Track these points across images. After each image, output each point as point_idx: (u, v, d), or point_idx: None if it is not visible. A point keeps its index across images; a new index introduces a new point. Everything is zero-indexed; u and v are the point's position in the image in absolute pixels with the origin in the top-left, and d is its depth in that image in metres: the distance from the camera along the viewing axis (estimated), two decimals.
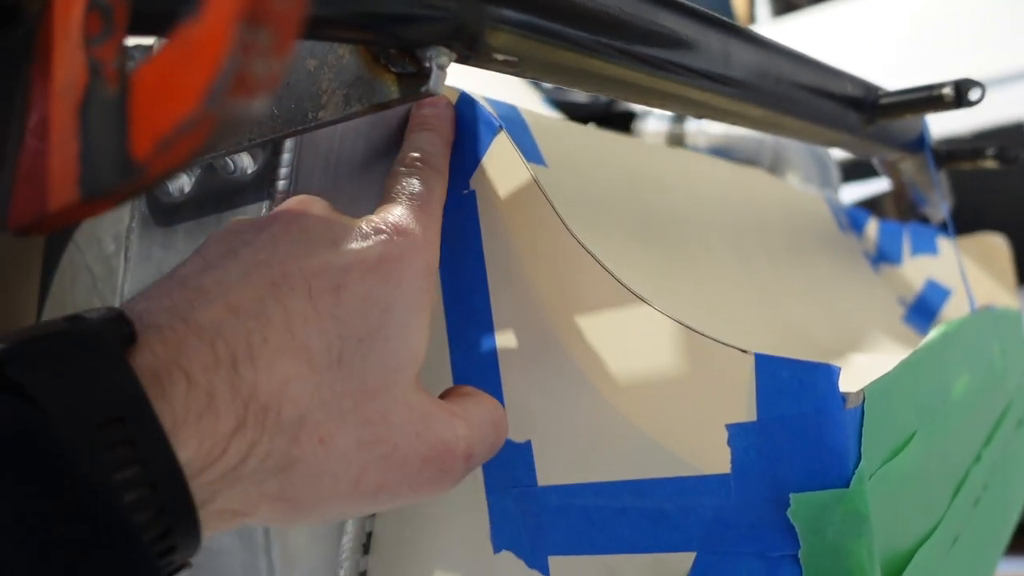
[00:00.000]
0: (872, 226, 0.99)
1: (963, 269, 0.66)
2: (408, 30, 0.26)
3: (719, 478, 0.32)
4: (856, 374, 0.61)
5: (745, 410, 0.32)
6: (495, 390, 0.38)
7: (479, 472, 0.39)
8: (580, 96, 1.19)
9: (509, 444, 0.38)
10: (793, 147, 1.01)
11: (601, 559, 0.36)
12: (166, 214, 0.39)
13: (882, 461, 0.33)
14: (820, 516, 0.30)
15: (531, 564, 0.38)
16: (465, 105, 0.39)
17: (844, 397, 0.30)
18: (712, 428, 0.32)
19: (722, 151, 1.03)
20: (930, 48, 1.62)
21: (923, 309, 0.93)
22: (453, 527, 0.41)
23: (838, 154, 1.12)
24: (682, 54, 0.36)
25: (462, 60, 0.29)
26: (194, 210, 0.38)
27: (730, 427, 0.32)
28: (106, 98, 0.18)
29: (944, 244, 0.95)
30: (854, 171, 1.12)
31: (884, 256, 0.98)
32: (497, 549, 0.39)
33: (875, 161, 0.72)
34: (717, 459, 0.32)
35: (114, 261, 0.42)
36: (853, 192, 1.18)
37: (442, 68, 0.27)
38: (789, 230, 0.78)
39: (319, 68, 0.30)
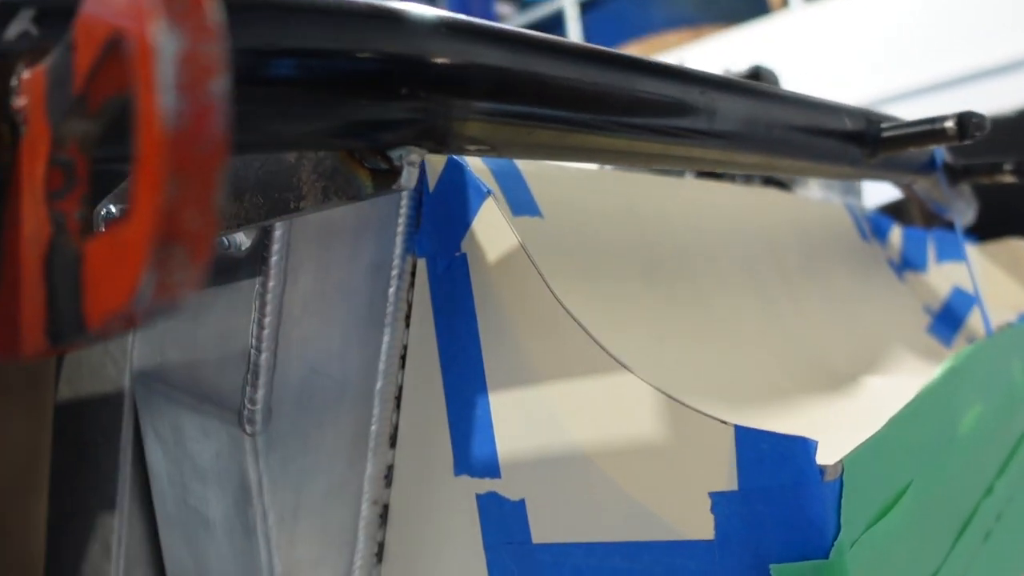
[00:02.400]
0: (896, 233, 0.97)
1: (976, 283, 0.65)
2: (377, 136, 0.27)
3: (703, 544, 0.33)
4: (871, 401, 0.61)
5: (727, 479, 0.32)
6: (489, 446, 0.39)
7: (478, 527, 0.40)
8: None
9: (505, 502, 0.39)
10: None
11: None
12: None
13: (867, 525, 0.33)
14: None
15: None
16: (453, 170, 0.40)
17: (822, 470, 0.30)
18: (696, 494, 0.33)
19: None
20: (972, 27, 1.58)
21: (949, 317, 0.92)
22: None
23: None
24: (665, 117, 0.36)
25: (435, 151, 0.29)
26: None
27: (713, 495, 0.33)
28: (68, 253, 0.19)
29: (970, 251, 0.94)
30: None
31: (909, 263, 0.97)
32: None
33: (892, 184, 0.71)
34: (701, 525, 0.33)
35: None
36: (879, 189, 1.16)
37: (413, 165, 0.28)
38: (805, 249, 0.78)
39: (299, 160, 0.31)
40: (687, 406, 0.33)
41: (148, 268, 0.14)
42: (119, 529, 0.45)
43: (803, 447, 0.30)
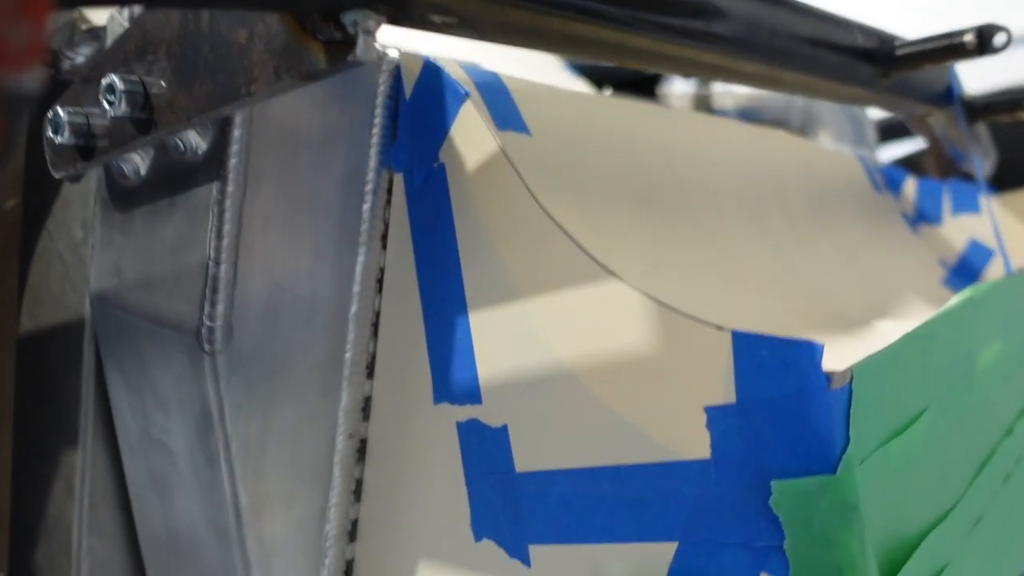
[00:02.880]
0: (910, 185, 0.94)
1: (997, 227, 0.62)
2: None
3: (699, 464, 0.30)
4: (884, 343, 0.58)
5: (724, 391, 0.29)
6: (470, 371, 0.36)
7: (459, 460, 0.37)
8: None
9: (486, 429, 0.36)
10: (825, 106, 0.97)
11: (581, 548, 0.34)
12: (125, 199, 0.37)
13: (879, 442, 0.30)
14: (805, 505, 0.28)
15: (512, 553, 0.36)
16: (430, 74, 0.37)
17: (829, 376, 0.27)
18: (690, 411, 0.30)
19: (750, 112, 0.99)
20: None
21: (965, 270, 0.89)
22: (436, 516, 0.39)
23: (875, 114, 1.07)
24: (655, 10, 0.33)
25: (393, 22, 0.26)
26: (150, 193, 0.36)
27: (709, 409, 0.30)
28: None
29: (985, 202, 0.90)
30: (892, 131, 1.07)
31: (923, 216, 0.93)
32: (478, 538, 0.37)
33: (904, 117, 0.67)
34: (697, 444, 0.30)
35: (83, 248, 0.41)
36: (891, 152, 1.13)
37: (369, 33, 0.25)
38: (816, 194, 0.74)
39: (249, 40, 0.28)
40: (680, 312, 0.30)
41: None
42: (82, 466, 0.43)
43: (808, 351, 0.27)
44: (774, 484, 0.28)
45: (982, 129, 0.78)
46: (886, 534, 0.31)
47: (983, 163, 0.90)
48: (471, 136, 0.36)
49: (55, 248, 0.42)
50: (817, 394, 0.27)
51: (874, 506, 0.29)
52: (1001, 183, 0.94)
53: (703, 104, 1.02)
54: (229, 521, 0.37)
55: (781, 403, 0.28)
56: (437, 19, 0.27)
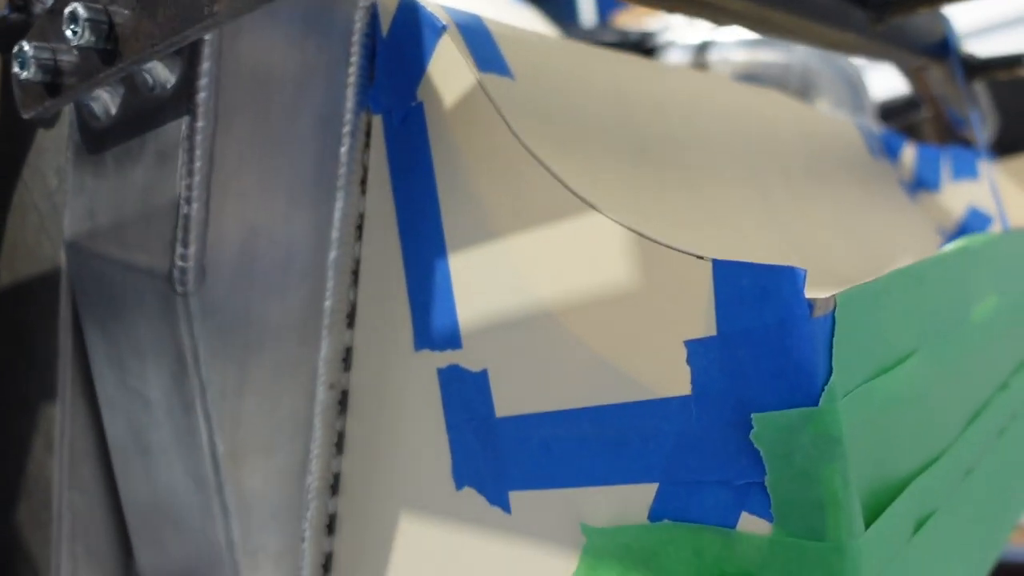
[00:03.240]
0: (908, 151, 0.93)
1: (997, 192, 0.61)
2: None
3: (679, 400, 0.29)
4: None
5: (704, 324, 0.28)
6: (450, 316, 0.36)
7: (440, 407, 0.37)
8: (603, 36, 1.15)
9: (466, 374, 0.35)
10: (823, 72, 0.96)
11: (562, 493, 0.33)
12: (96, 140, 0.37)
13: (864, 378, 0.29)
14: (787, 439, 0.27)
15: (492, 501, 0.35)
16: (407, 9, 0.36)
17: (811, 304, 0.26)
18: (670, 346, 0.29)
19: (747, 79, 0.98)
20: None
21: (963, 237, 0.88)
22: (418, 465, 0.38)
23: (876, 91, 1.05)
24: None
25: None
26: (121, 134, 0.35)
27: (689, 343, 0.29)
28: None
29: (984, 168, 0.89)
30: (891, 112, 1.06)
31: (922, 182, 0.92)
32: (459, 486, 0.36)
33: (901, 70, 0.66)
34: (676, 380, 0.29)
35: (57, 197, 0.40)
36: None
37: None
38: (812, 156, 0.73)
39: None
40: (659, 243, 0.29)
41: None
42: (61, 420, 0.42)
43: (790, 278, 0.26)
44: (755, 417, 0.27)
45: (981, 91, 0.76)
46: (871, 475, 0.30)
47: (982, 125, 0.88)
48: (449, 72, 0.35)
49: (30, 198, 0.41)
50: (799, 323, 0.26)
51: (858, 443, 0.28)
52: (1003, 148, 0.93)
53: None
54: (207, 470, 0.37)
55: (762, 333, 0.27)
56: None
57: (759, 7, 0.38)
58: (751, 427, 0.27)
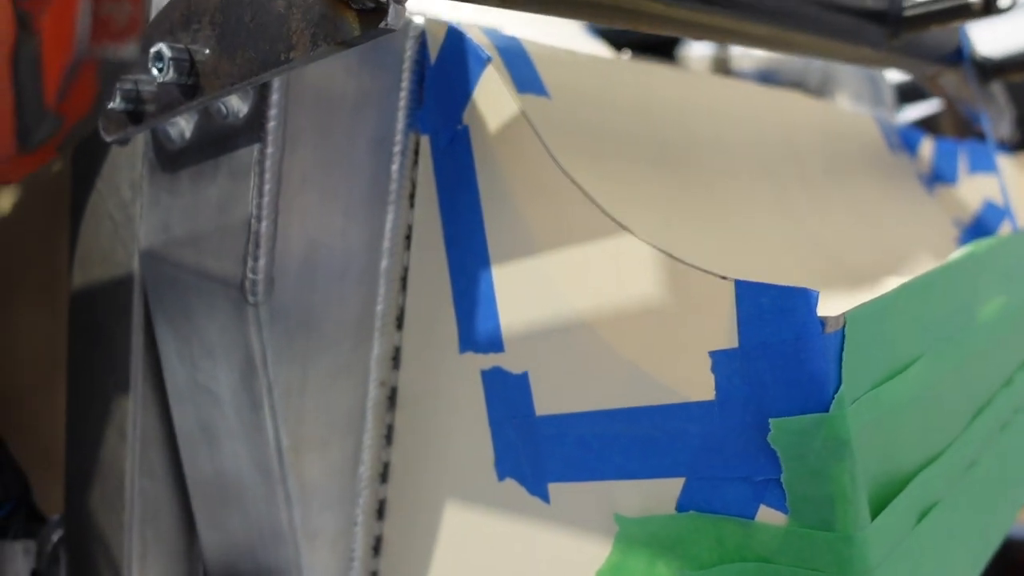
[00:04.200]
0: (927, 146, 0.95)
1: (1004, 186, 0.63)
2: None
3: (704, 405, 0.33)
4: None
5: (727, 337, 0.32)
6: (493, 321, 0.39)
7: (483, 405, 0.40)
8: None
9: (509, 375, 0.39)
10: (843, 67, 0.98)
11: (597, 485, 0.36)
12: (171, 161, 0.40)
13: (872, 385, 0.33)
14: (801, 441, 0.30)
15: (532, 491, 0.39)
16: (454, 39, 0.39)
17: (823, 322, 0.30)
18: (696, 355, 0.32)
19: (768, 74, 1.00)
20: None
21: (979, 231, 0.90)
22: (462, 457, 0.42)
23: (893, 76, 1.07)
24: None
25: None
26: (195, 155, 0.39)
27: (713, 354, 0.32)
28: (31, 50, 0.19)
29: (1002, 162, 0.91)
30: (910, 94, 1.07)
31: (939, 176, 0.94)
32: (501, 477, 0.40)
33: (916, 77, 0.68)
34: (702, 386, 0.33)
35: (131, 208, 0.43)
36: (911, 115, 1.13)
37: (400, 2, 0.27)
38: (830, 154, 0.76)
39: (288, 9, 0.30)
40: (686, 263, 0.32)
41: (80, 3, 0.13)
42: (133, 412, 0.46)
43: (804, 299, 0.30)
44: (772, 422, 0.30)
45: (997, 89, 0.78)
46: (878, 471, 0.33)
47: (999, 122, 0.90)
48: (493, 99, 0.38)
49: (105, 208, 0.45)
50: (812, 338, 0.30)
51: (865, 444, 0.31)
52: (1020, 145, 0.95)
53: (721, 66, 1.03)
54: (272, 461, 0.40)
55: (780, 347, 0.30)
56: None
57: (783, 31, 0.41)
58: (769, 430, 0.31)
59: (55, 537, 0.52)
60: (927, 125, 0.96)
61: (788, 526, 0.31)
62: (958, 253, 0.46)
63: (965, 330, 0.44)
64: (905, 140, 0.94)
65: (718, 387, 0.32)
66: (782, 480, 0.31)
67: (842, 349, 0.30)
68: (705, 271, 0.32)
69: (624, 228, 0.34)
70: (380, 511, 0.45)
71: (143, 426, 0.46)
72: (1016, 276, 0.55)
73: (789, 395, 0.30)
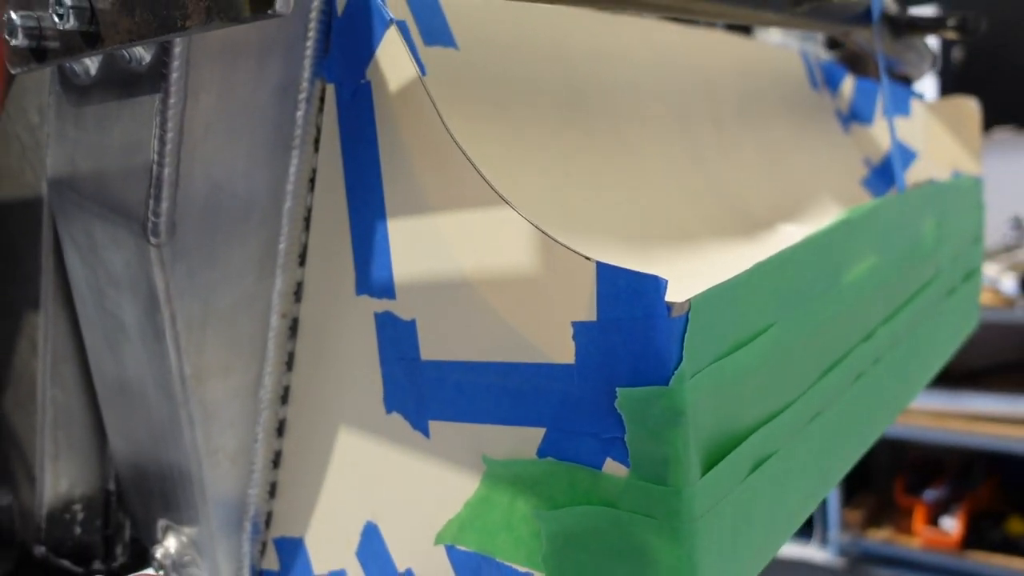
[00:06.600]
0: (848, 84, 0.97)
1: (894, 133, 0.67)
2: None
3: (566, 367, 0.36)
4: (779, 246, 0.65)
5: (587, 310, 0.35)
6: (387, 270, 0.42)
7: (375, 345, 0.43)
8: None
9: (398, 320, 0.42)
10: None
11: (471, 427, 0.40)
12: (77, 95, 0.41)
13: (717, 356, 0.36)
14: (643, 408, 0.34)
15: (415, 426, 0.42)
16: None
17: (670, 306, 0.33)
18: (561, 323, 0.36)
19: None
20: None
21: (886, 171, 0.94)
22: (355, 388, 0.45)
23: None
24: None
25: None
26: (100, 95, 0.40)
27: (575, 324, 0.35)
28: None
29: (916, 106, 0.94)
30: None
31: (856, 115, 0.97)
32: (389, 410, 0.43)
33: (828, 34, 0.70)
34: (565, 351, 0.36)
35: (39, 132, 0.44)
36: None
37: None
38: (747, 94, 0.78)
39: None
40: (556, 241, 0.35)
41: None
42: (44, 327, 0.48)
43: (655, 285, 0.33)
44: (619, 390, 0.34)
45: (917, 38, 0.81)
46: (717, 431, 0.37)
47: (920, 66, 0.93)
48: (394, 59, 0.40)
49: (13, 129, 0.45)
50: (659, 320, 0.33)
51: (703, 411, 0.35)
52: (967, 77, 0.98)
53: None
54: (175, 387, 0.43)
55: (631, 325, 0.34)
56: None
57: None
58: (616, 396, 0.34)
59: None
60: (851, 62, 0.99)
61: (629, 478, 0.35)
62: (829, 222, 0.49)
63: (827, 294, 0.48)
64: (828, 77, 0.97)
65: (577, 353, 0.36)
66: (625, 439, 0.35)
67: (685, 331, 0.33)
68: (573, 250, 0.35)
69: (506, 201, 0.36)
70: (280, 429, 0.49)
71: (54, 341, 0.48)
72: (889, 237, 0.59)
73: (636, 368, 0.34)
